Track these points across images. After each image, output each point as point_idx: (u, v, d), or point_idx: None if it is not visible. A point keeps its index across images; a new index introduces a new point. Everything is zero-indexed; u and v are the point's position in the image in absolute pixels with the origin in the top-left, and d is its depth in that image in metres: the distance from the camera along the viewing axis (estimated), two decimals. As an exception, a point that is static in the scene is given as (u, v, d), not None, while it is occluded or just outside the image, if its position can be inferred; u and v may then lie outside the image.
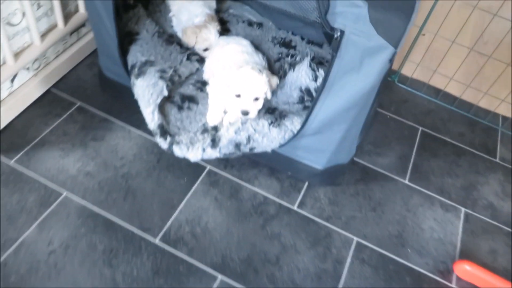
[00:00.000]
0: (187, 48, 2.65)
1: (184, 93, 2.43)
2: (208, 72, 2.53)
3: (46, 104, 2.57)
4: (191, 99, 2.41)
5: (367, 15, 1.74)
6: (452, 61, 3.10)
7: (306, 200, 2.41)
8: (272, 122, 2.23)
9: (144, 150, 2.45)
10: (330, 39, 3.18)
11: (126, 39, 2.44)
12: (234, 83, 2.13)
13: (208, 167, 2.46)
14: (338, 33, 1.82)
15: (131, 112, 2.59)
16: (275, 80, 2.23)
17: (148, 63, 2.34)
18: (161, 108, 2.28)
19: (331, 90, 1.96)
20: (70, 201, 2.18)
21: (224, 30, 2.93)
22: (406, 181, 2.62)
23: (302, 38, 3.03)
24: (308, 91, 2.42)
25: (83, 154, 2.38)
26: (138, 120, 2.53)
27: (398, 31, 1.75)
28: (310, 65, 2.45)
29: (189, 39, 2.62)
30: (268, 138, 2.20)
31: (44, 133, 2.43)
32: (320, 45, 3.01)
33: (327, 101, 2.00)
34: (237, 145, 2.19)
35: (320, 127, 2.12)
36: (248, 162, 2.50)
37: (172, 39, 2.67)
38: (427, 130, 2.96)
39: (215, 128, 2.29)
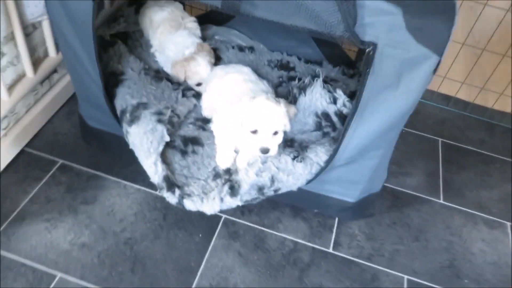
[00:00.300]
0: (179, 83, 2.34)
1: (186, 135, 2.09)
2: (208, 108, 2.21)
3: (21, 167, 2.17)
4: (195, 141, 2.08)
5: (402, 22, 1.48)
6: (459, 65, 2.92)
7: (340, 239, 2.11)
8: (295, 157, 1.92)
9: (146, 207, 2.09)
10: (330, 56, 2.97)
11: (110, 81, 2.09)
12: (249, 118, 1.82)
13: (224, 216, 2.13)
14: (370, 47, 1.55)
15: (124, 164, 2.23)
16: (293, 109, 1.94)
17: (141, 106, 2.00)
18: (162, 156, 1.93)
19: (364, 112, 1.69)
20: (66, 283, 1.78)
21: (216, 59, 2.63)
22: (441, 201, 2.37)
23: (299, 58, 2.78)
24: (326, 115, 2.14)
25: (74, 222, 1.99)
26: (133, 172, 2.17)
27: (441, 36, 1.50)
28: (324, 87, 2.17)
29: (178, 75, 2.32)
30: (293, 175, 1.89)
31: (23, 203, 2.03)
32: (319, 63, 2.76)
33: (361, 125, 1.72)
34: (260, 189, 1.86)
35: (353, 155, 1.83)
36: (267, 203, 2.18)
37: (160, 75, 2.35)
38: (447, 141, 2.74)
39: (228, 172, 1.96)
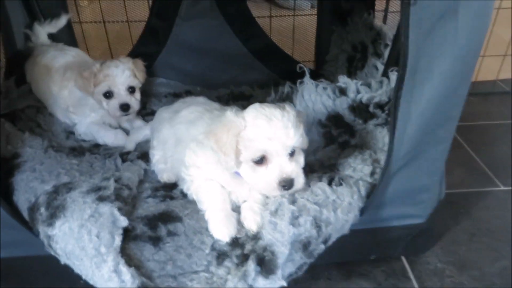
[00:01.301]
0: (110, 152, 1.58)
1: (148, 214, 1.29)
2: (165, 169, 1.48)
3: None
4: (167, 218, 1.28)
5: None
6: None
7: (426, 283, 1.40)
8: (331, 180, 1.23)
9: None
10: (283, 72, 2.39)
11: (-2, 172, 1.27)
12: (247, 141, 1.13)
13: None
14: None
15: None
16: (302, 113, 1.27)
17: (62, 189, 1.20)
18: (124, 255, 1.11)
19: (417, 69, 1.10)
20: None
21: (147, 114, 1.93)
22: (502, 187, 1.80)
23: (250, 86, 2.19)
24: (334, 118, 1.51)
25: None
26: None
27: None
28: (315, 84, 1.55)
29: (85, 84, 1.67)
30: (342, 208, 1.19)
31: None
32: (275, 85, 2.16)
33: (417, 92, 1.14)
34: (306, 246, 1.13)
35: (414, 145, 1.21)
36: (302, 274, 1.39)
37: (80, 150, 1.57)
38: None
39: (237, 243, 1.19)
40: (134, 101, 1.73)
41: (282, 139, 1.13)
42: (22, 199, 1.20)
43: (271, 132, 1.12)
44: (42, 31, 2.00)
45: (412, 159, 1.23)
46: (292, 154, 1.16)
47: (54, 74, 1.80)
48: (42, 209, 1.15)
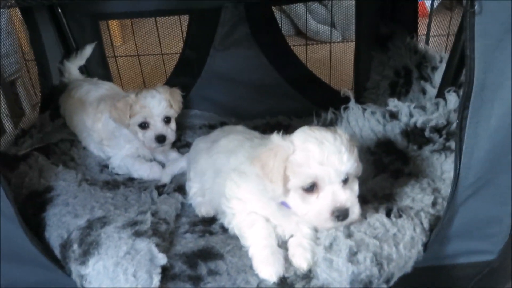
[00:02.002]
0: (144, 185, 1.50)
1: (186, 251, 1.19)
2: (204, 202, 1.38)
3: None
4: (207, 255, 1.17)
5: None
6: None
7: (502, 331, 1.20)
8: (389, 211, 1.10)
9: None
10: (320, 101, 2.29)
11: (29, 207, 1.20)
12: (298, 167, 1.02)
13: None
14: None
15: None
16: (355, 139, 1.17)
17: (96, 224, 1.11)
18: (163, 297, 1.00)
19: (485, 86, 0.99)
20: None
21: (182, 146, 1.87)
22: None
23: (287, 116, 2.10)
24: (384, 145, 1.38)
25: None
26: None
27: None
28: (363, 108, 1.45)
29: (120, 115, 1.62)
30: (404, 242, 1.06)
31: None
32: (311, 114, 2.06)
33: (484, 110, 1.01)
34: (366, 286, 0.97)
35: (482, 172, 1.08)
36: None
37: (114, 183, 1.50)
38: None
39: (285, 282, 1.07)
40: (170, 132, 1.67)
41: (335, 164, 1.02)
42: (54, 235, 1.12)
43: (323, 156, 1.01)
44: (73, 67, 2.01)
45: (481, 187, 1.10)
46: (345, 181, 1.05)
47: (88, 107, 1.77)
48: (75, 246, 1.06)
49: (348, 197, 1.04)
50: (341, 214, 1.02)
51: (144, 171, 1.65)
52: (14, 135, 1.73)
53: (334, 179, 1.03)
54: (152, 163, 1.70)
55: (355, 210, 1.04)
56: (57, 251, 1.11)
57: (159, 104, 1.61)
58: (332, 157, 1.02)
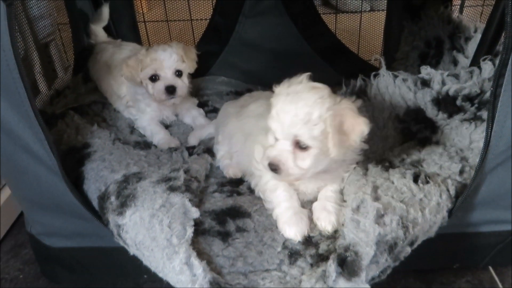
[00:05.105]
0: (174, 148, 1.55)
1: (215, 209, 1.23)
2: (231, 165, 1.42)
3: None
4: (235, 213, 1.22)
5: None
6: None
7: (521, 298, 1.23)
8: (417, 176, 1.12)
9: None
10: (348, 71, 2.27)
11: (69, 161, 1.26)
12: None
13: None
14: None
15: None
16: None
17: (132, 178, 1.16)
18: (194, 247, 1.05)
19: None
20: None
21: (209, 111, 1.89)
22: None
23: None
24: (414, 113, 1.38)
25: None
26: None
27: None
28: (395, 77, 1.44)
29: (132, 73, 1.61)
30: (429, 207, 1.07)
31: None
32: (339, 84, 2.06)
33: None
34: (391, 248, 1.01)
35: None
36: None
37: (145, 144, 1.56)
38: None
39: (310, 242, 1.11)
40: (181, 84, 1.63)
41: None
42: (93, 188, 1.18)
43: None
44: (97, 28, 2.00)
45: (510, 156, 1.10)
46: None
47: (113, 70, 1.78)
48: (113, 198, 1.12)
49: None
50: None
51: (161, 138, 1.64)
52: (49, 96, 1.78)
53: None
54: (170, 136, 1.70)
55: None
56: (95, 203, 1.17)
57: (170, 57, 1.59)
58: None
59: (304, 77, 1.13)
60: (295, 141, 1.06)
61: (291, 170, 1.07)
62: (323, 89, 1.08)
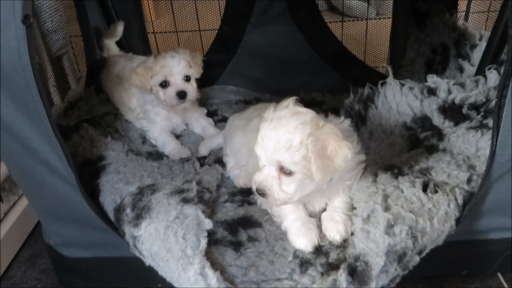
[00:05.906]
0: (186, 159, 1.58)
1: (227, 219, 1.27)
2: (241, 175, 1.45)
3: None
4: (247, 223, 1.25)
5: None
6: None
7: (530, 304, 1.24)
8: (426, 186, 1.14)
9: None
10: (355, 78, 2.31)
11: (84, 173, 1.30)
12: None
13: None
14: None
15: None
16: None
17: (146, 190, 1.20)
18: (208, 258, 1.09)
19: None
20: None
21: (219, 121, 1.93)
22: None
23: (321, 92, 2.14)
24: (421, 120, 1.41)
25: None
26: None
27: None
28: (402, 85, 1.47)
29: (142, 81, 1.66)
30: (438, 216, 1.10)
31: None
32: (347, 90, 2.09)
33: None
34: (401, 258, 1.03)
35: None
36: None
37: (157, 154, 1.60)
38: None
39: (321, 251, 1.14)
40: (191, 89, 1.68)
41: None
42: (108, 200, 1.21)
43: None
44: (110, 43, 2.05)
45: (516, 165, 1.12)
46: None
47: (124, 83, 1.83)
48: (128, 210, 1.15)
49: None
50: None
51: (172, 148, 1.69)
52: (62, 108, 1.83)
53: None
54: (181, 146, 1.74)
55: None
56: (111, 215, 1.21)
57: (178, 63, 1.64)
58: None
59: (290, 101, 1.14)
60: (279, 166, 1.08)
61: (277, 195, 1.09)
62: (306, 114, 1.08)
